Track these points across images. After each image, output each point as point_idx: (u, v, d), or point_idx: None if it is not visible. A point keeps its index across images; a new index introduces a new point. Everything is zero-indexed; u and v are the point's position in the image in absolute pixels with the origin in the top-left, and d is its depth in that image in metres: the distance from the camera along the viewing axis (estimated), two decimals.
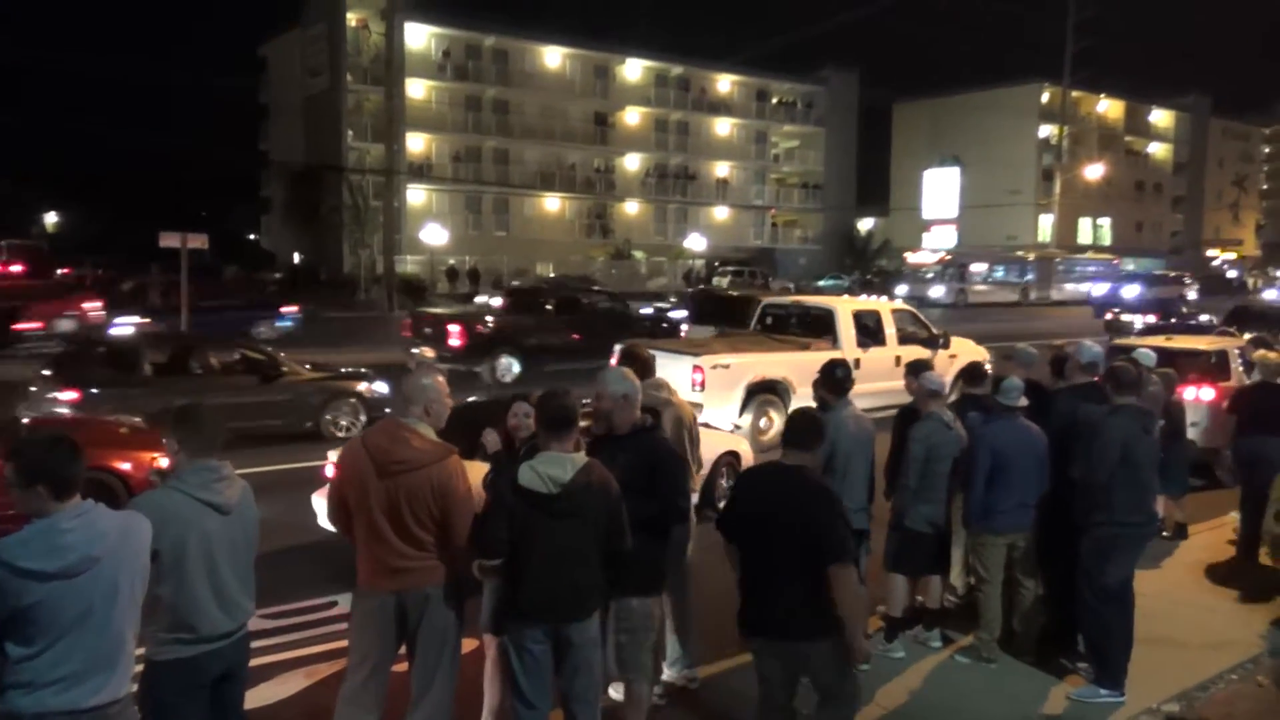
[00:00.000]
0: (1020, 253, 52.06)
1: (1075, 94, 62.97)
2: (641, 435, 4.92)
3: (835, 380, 6.35)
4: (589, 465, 4.27)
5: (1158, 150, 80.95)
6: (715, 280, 56.49)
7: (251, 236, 65.61)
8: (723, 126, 65.52)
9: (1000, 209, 62.07)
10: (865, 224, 78.83)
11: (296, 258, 53.93)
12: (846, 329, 14.45)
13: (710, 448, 10.49)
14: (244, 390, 12.42)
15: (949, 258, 47.01)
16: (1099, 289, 45.19)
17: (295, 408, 12.57)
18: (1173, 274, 49.69)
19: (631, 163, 61.81)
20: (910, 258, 48.30)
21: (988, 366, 7.50)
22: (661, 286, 55.87)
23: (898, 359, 14.22)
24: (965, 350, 15.33)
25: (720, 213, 65.65)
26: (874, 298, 18.01)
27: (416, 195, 53.54)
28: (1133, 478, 6.03)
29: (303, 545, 8.45)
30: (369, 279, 44.26)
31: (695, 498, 5.96)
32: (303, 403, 12.62)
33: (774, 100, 68.52)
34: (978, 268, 48.00)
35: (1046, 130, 69.96)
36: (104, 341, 13.67)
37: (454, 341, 18.18)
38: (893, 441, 7.00)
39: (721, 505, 6.42)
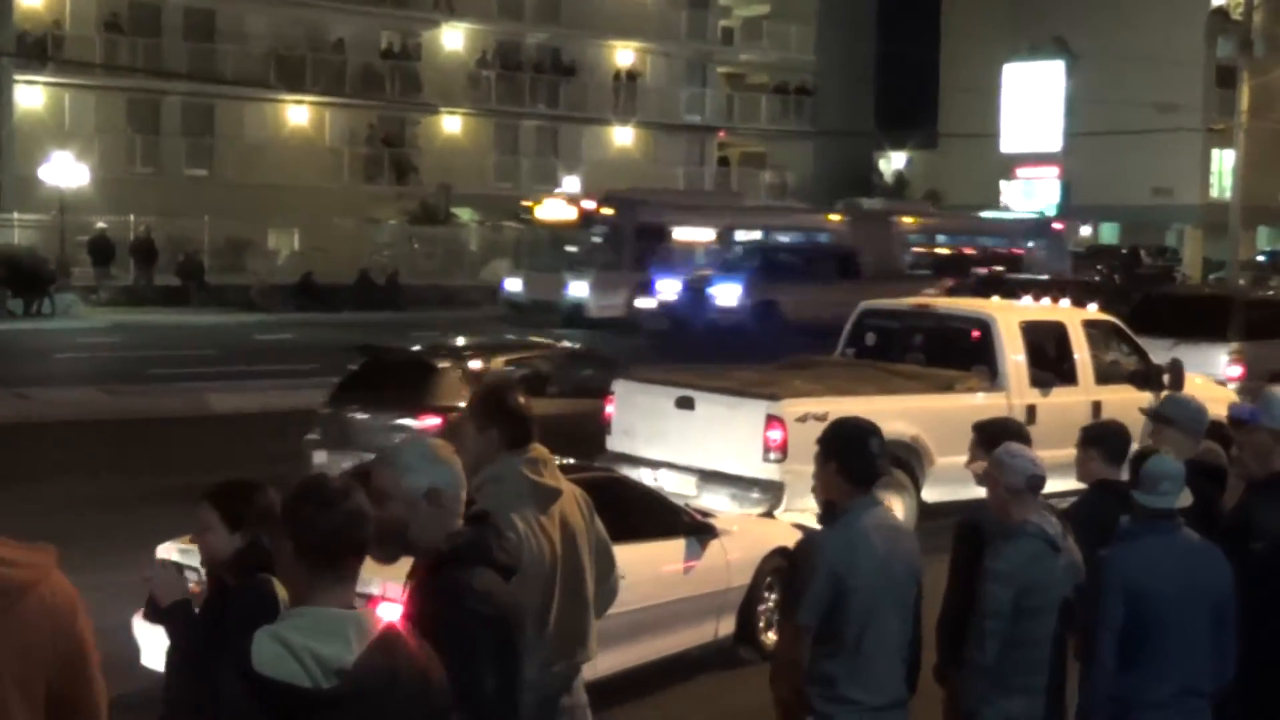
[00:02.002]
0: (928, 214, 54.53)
1: None
2: (442, 574, 4.93)
3: (858, 457, 6.46)
4: (390, 635, 4.22)
5: None
6: None
7: None
8: None
9: (1142, 140, 63.79)
10: (894, 161, 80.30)
11: None
12: (1013, 354, 15.67)
13: (752, 544, 11.30)
14: None
15: (605, 211, 44.89)
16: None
17: None
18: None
19: (453, 40, 61.85)
20: (541, 210, 46.58)
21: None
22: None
23: (1096, 407, 15.01)
24: (1205, 395, 15.99)
25: (622, 137, 66.08)
26: (1051, 303, 19.67)
27: (31, 97, 52.78)
28: None
29: None
30: None
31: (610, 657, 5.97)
32: None
33: None
34: (694, 238, 46.63)
35: None
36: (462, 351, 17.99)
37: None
38: (950, 578, 7.10)
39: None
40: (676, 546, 10.96)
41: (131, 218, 49.78)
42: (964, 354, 16.01)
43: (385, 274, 50.85)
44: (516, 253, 47.91)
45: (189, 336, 36.45)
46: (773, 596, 11.32)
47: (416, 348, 19.06)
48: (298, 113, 58.12)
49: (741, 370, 16.56)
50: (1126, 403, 15.12)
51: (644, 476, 14.14)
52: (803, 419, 13.57)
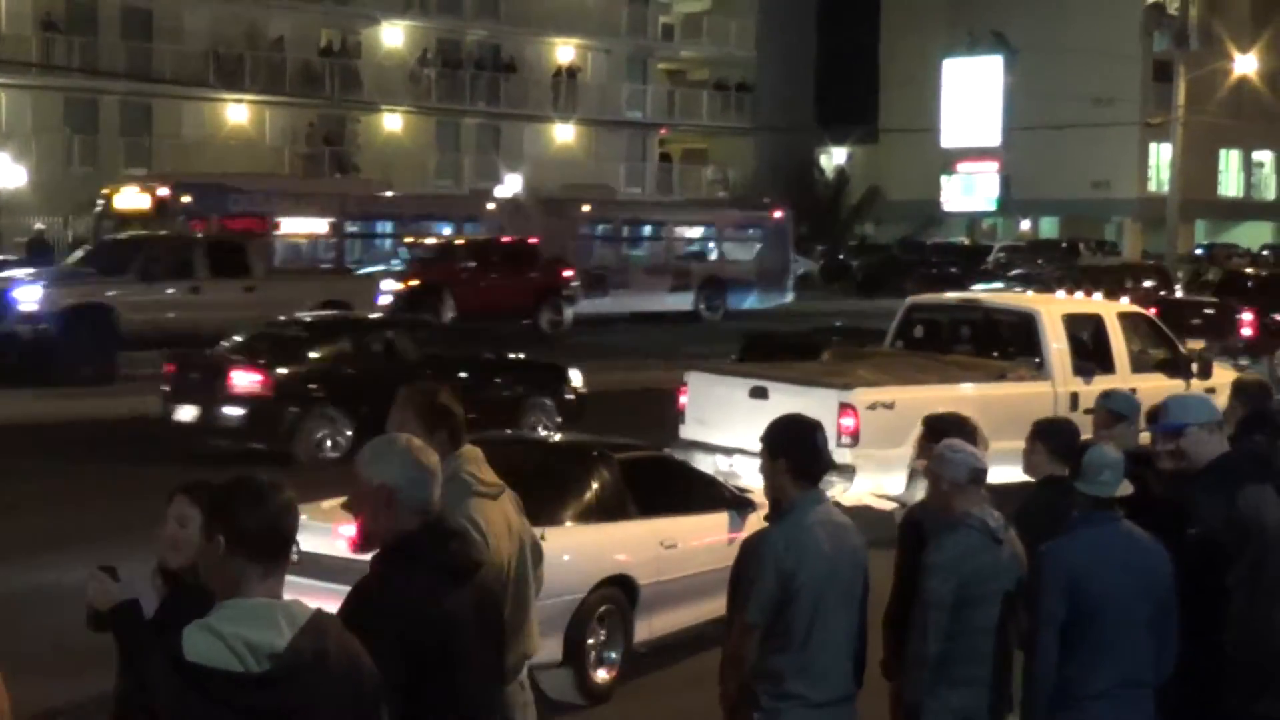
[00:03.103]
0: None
1: None
2: (372, 571, 4.98)
3: (808, 454, 6.50)
4: (319, 622, 4.24)
5: None
6: None
7: None
8: None
9: (1081, 134, 64.31)
10: (835, 157, 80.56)
11: None
12: (1057, 344, 16.81)
13: None
14: None
15: (184, 199, 37.64)
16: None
17: None
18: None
19: (392, 38, 61.65)
20: (119, 199, 37.99)
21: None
22: None
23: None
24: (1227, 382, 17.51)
25: (563, 134, 66.02)
26: (1083, 295, 21.72)
27: None
28: None
29: None
30: None
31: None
32: None
33: None
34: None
35: None
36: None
37: (1246, 331, 27.30)
38: (896, 573, 7.19)
39: None
40: (721, 519, 11.73)
41: (70, 218, 49.44)
42: (1010, 345, 17.34)
43: None
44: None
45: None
46: None
47: (798, 331, 22.73)
48: (237, 111, 57.76)
49: (805, 362, 17.89)
50: (1159, 390, 16.48)
51: (718, 462, 15.11)
52: (873, 406, 14.69)
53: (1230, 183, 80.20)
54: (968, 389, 15.84)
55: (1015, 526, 6.92)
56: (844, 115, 76.53)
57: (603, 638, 10.61)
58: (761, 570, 6.28)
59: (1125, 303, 21.14)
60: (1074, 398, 15.96)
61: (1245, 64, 63.10)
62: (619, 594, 10.61)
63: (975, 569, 6.60)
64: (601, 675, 10.68)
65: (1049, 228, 78.53)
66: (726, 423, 15.65)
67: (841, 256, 68.07)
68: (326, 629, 4.24)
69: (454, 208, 46.32)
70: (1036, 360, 16.78)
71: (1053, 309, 17.70)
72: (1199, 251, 69.21)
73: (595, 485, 11.00)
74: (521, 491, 10.64)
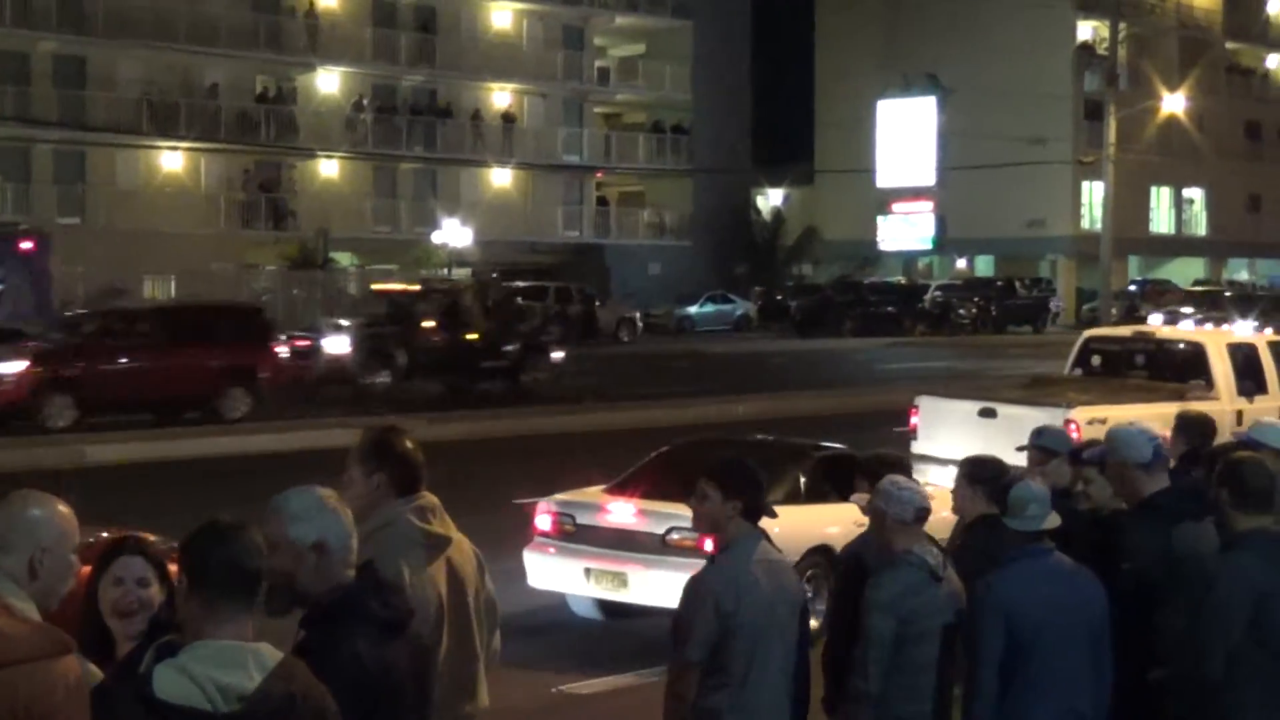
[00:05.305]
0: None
1: None
2: (312, 632, 4.89)
3: (760, 494, 6.58)
4: (287, 666, 4.26)
5: None
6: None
7: None
8: (501, 17, 66.31)
9: (1015, 173, 64.77)
10: (771, 199, 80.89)
11: None
12: (1224, 370, 18.86)
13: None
14: None
15: None
16: None
17: None
18: None
19: (328, 84, 61.60)
20: None
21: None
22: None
23: None
24: None
25: (500, 178, 66.06)
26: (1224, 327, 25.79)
27: None
28: (1272, 666, 6.37)
29: None
30: None
31: None
32: None
33: None
34: None
35: (1088, 30, 73.58)
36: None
37: None
38: (836, 611, 7.32)
39: None
40: None
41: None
42: (1179, 371, 19.29)
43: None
44: None
45: None
46: None
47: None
48: (172, 158, 57.51)
49: (1015, 388, 20.55)
50: None
51: (949, 473, 16.09)
52: (1091, 422, 16.23)
53: (1162, 219, 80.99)
54: (1158, 407, 17.02)
55: (952, 564, 6.99)
56: (780, 157, 76.91)
57: (810, 595, 11.70)
58: (701, 608, 6.32)
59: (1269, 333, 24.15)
60: (1239, 415, 17.59)
61: (1174, 103, 63.80)
62: (824, 560, 12.75)
63: (915, 606, 6.66)
64: (811, 624, 11.38)
65: (984, 266, 79.08)
66: (955, 439, 17.32)
67: (780, 297, 68.34)
68: (294, 673, 4.26)
69: None
70: (1206, 383, 18.71)
71: (1218, 339, 20.21)
72: (1132, 288, 69.81)
73: (802, 475, 13.83)
74: None
